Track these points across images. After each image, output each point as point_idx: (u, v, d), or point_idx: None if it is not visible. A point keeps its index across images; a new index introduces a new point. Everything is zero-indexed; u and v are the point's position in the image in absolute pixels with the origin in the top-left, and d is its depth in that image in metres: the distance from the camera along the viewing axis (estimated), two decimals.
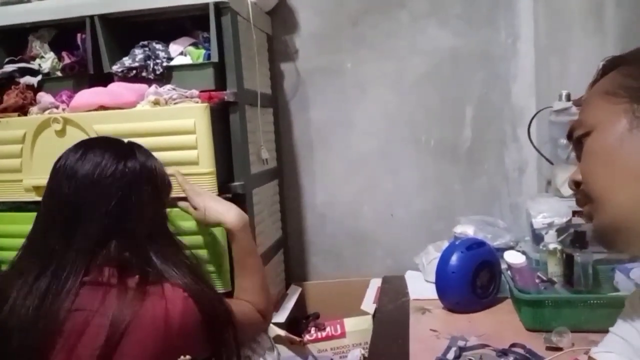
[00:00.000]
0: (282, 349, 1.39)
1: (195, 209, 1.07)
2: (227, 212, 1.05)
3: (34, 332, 0.75)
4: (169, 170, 0.99)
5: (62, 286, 0.77)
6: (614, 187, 0.54)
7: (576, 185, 0.60)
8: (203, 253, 1.14)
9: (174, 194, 1.04)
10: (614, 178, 0.54)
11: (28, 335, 0.75)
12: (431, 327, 1.20)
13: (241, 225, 1.04)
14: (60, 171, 0.84)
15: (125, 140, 0.93)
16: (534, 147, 1.44)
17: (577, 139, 0.59)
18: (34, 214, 0.88)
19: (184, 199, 1.11)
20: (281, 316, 1.46)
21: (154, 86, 1.22)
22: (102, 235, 0.81)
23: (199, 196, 1.07)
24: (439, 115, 1.65)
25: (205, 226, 1.11)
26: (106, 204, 0.82)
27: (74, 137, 1.19)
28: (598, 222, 0.56)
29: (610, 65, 0.59)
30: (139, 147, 0.92)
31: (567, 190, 1.39)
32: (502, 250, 1.31)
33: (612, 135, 0.54)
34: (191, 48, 1.33)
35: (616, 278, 1.22)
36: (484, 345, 1.07)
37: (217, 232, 1.13)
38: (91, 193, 0.82)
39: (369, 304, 1.46)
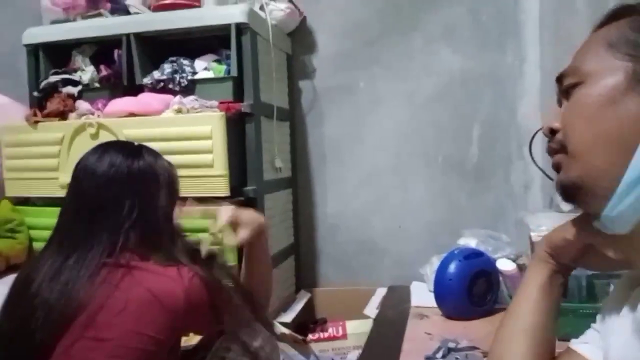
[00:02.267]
0: (287, 347, 1.46)
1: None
2: (258, 216, 1.09)
3: (56, 310, 0.84)
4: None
5: (85, 270, 0.86)
6: (592, 147, 0.51)
7: (551, 132, 0.56)
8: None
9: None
10: (594, 137, 0.51)
11: (51, 313, 0.84)
12: (426, 331, 1.26)
13: (265, 225, 1.10)
14: (81, 170, 0.96)
15: (136, 143, 1.04)
16: (535, 163, 1.48)
17: (567, 87, 0.54)
18: None
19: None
20: (288, 317, 1.54)
21: (178, 97, 1.35)
22: (120, 225, 0.91)
23: (241, 215, 1.05)
24: (448, 132, 1.72)
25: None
26: (122, 197, 0.93)
27: (107, 139, 1.33)
28: (565, 175, 0.54)
29: (621, 12, 0.53)
30: (147, 149, 1.02)
31: (566, 206, 1.43)
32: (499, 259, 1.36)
33: (605, 92, 0.50)
34: (214, 64, 1.46)
35: (611, 290, 1.24)
36: (473, 348, 1.12)
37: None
38: (108, 189, 0.93)
39: (372, 309, 1.52)
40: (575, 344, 0.63)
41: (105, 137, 1.33)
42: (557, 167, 0.55)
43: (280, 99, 1.66)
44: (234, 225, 1.05)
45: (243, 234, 1.04)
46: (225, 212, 1.05)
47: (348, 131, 1.81)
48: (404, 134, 1.76)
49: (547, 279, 0.62)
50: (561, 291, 0.64)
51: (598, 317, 0.66)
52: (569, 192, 0.55)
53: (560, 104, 0.58)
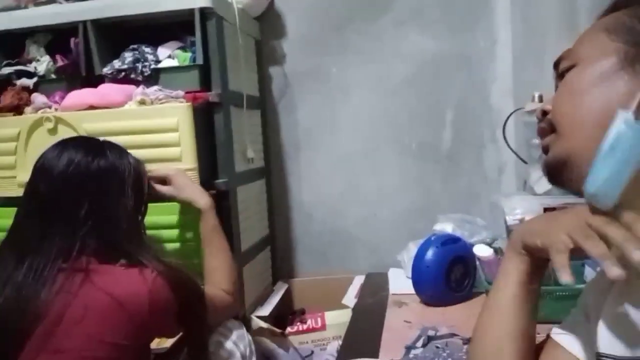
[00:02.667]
0: (266, 341, 1.44)
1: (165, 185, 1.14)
2: (201, 192, 1.14)
3: (11, 320, 0.79)
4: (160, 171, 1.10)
5: (39, 276, 0.82)
6: (578, 123, 0.52)
7: (543, 114, 0.57)
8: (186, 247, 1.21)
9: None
10: (581, 113, 0.52)
11: (5, 323, 0.80)
12: (405, 319, 1.25)
13: (211, 204, 1.14)
14: (39, 169, 0.92)
15: (101, 139, 0.99)
16: (509, 147, 1.49)
17: (562, 71, 0.56)
18: None
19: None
20: (265, 310, 1.51)
21: (141, 87, 1.28)
22: (77, 228, 0.86)
23: (176, 176, 1.14)
24: (421, 117, 1.70)
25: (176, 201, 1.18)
26: (80, 198, 0.88)
27: (65, 135, 1.25)
28: (552, 154, 0.55)
29: (622, 4, 0.55)
30: (111, 145, 0.98)
31: (540, 188, 1.44)
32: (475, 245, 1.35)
33: (595, 71, 0.51)
34: (179, 51, 1.39)
35: (585, 272, 1.26)
36: (452, 335, 1.12)
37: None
38: (65, 189, 0.88)
39: (350, 299, 1.51)
40: (556, 335, 0.62)
41: (64, 132, 1.26)
42: (546, 149, 0.56)
43: (249, 86, 1.61)
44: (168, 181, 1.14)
45: (166, 188, 1.13)
46: (171, 170, 1.14)
47: (321, 118, 1.77)
48: (377, 120, 1.74)
49: (527, 274, 0.60)
50: (540, 285, 0.62)
51: (579, 302, 0.65)
52: (554, 170, 0.54)
53: (557, 89, 0.57)
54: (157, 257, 0.89)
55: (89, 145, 0.95)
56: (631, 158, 0.46)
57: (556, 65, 0.58)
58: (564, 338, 0.61)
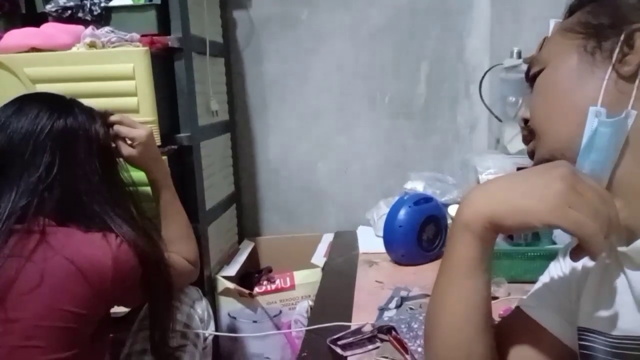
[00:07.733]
0: (232, 301, 1.40)
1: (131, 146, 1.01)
2: (163, 160, 1.05)
3: None
4: (115, 117, 0.98)
5: None
6: (554, 120, 0.53)
7: (525, 122, 0.59)
8: None
9: None
10: (555, 111, 0.53)
11: None
12: (377, 279, 1.23)
13: (168, 173, 1.05)
14: None
15: (68, 97, 0.92)
16: (484, 104, 1.45)
17: (532, 76, 0.58)
18: None
19: None
20: (232, 269, 1.46)
21: (90, 28, 1.14)
22: (34, 187, 0.80)
23: (146, 140, 1.01)
24: (395, 70, 1.63)
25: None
26: (39, 157, 0.82)
27: (4, 79, 1.12)
28: (537, 157, 0.56)
29: (577, 6, 0.57)
30: (80, 105, 0.91)
31: (514, 147, 1.42)
32: (450, 205, 1.34)
33: (561, 70, 0.54)
34: None
35: (555, 233, 1.27)
36: (425, 295, 1.11)
37: None
38: (23, 146, 0.82)
39: (319, 258, 1.47)
40: (528, 308, 0.60)
41: (3, 76, 1.12)
42: (531, 155, 0.58)
43: (212, 31, 1.48)
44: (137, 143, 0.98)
45: (130, 150, 0.98)
46: (141, 128, 0.98)
47: (289, 68, 1.66)
48: (349, 71, 1.65)
49: (489, 255, 0.52)
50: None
51: (553, 270, 0.62)
52: None
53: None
54: (129, 221, 0.83)
55: (55, 102, 0.88)
56: (610, 148, 0.48)
57: (527, 74, 0.60)
58: (538, 312, 0.59)
